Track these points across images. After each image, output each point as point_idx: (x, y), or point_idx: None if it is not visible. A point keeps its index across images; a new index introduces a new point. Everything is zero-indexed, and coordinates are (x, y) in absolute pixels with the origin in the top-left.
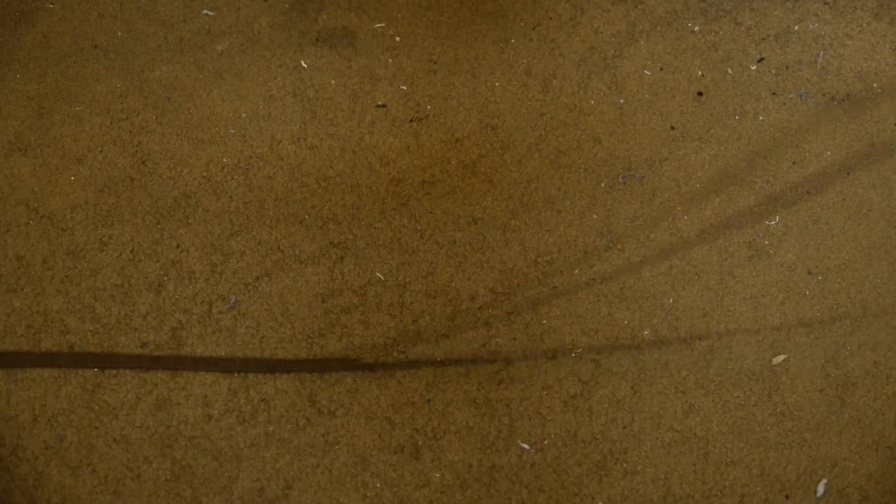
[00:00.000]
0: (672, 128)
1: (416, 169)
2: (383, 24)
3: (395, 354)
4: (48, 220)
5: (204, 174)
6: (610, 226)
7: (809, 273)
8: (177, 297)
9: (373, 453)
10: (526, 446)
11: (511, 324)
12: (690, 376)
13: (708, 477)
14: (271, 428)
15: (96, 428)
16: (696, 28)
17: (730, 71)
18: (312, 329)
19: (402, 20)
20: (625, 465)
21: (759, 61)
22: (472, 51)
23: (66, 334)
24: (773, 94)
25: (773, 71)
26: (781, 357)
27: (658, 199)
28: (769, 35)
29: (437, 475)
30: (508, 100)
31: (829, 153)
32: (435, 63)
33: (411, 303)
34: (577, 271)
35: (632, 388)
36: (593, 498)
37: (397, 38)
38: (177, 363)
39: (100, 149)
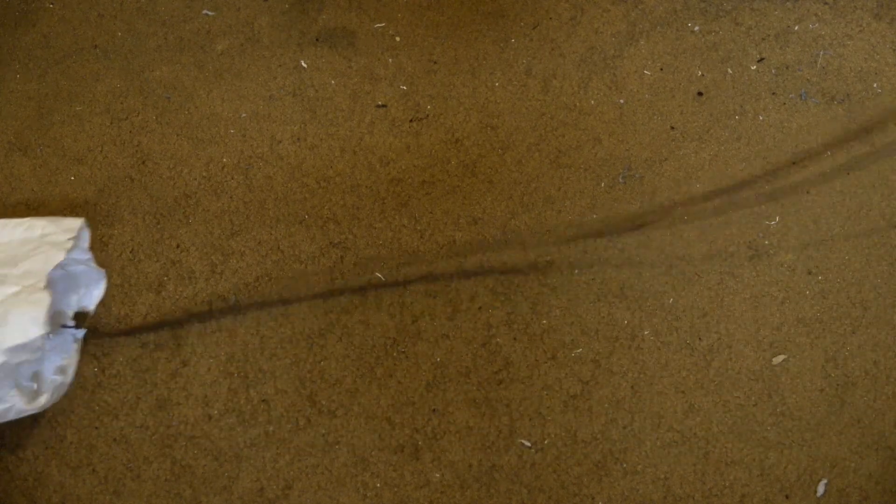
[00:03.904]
0: (672, 128)
1: (416, 169)
2: (383, 24)
3: (394, 354)
4: None
5: (204, 174)
6: (610, 226)
7: (809, 273)
8: (177, 296)
9: (373, 453)
10: (527, 443)
11: (511, 324)
12: (690, 376)
13: (708, 477)
14: (271, 428)
15: (96, 428)
16: (696, 28)
17: (730, 71)
18: (312, 329)
19: (402, 20)
20: (625, 465)
21: (759, 61)
22: (472, 51)
23: None
24: (773, 94)
25: (773, 71)
26: (781, 357)
27: (658, 199)
28: (769, 35)
29: (437, 475)
30: (508, 100)
31: (829, 153)
32: (435, 63)
33: (411, 303)
34: (576, 271)
35: (632, 388)
36: (593, 498)
37: (397, 38)
38: None
39: (100, 149)
